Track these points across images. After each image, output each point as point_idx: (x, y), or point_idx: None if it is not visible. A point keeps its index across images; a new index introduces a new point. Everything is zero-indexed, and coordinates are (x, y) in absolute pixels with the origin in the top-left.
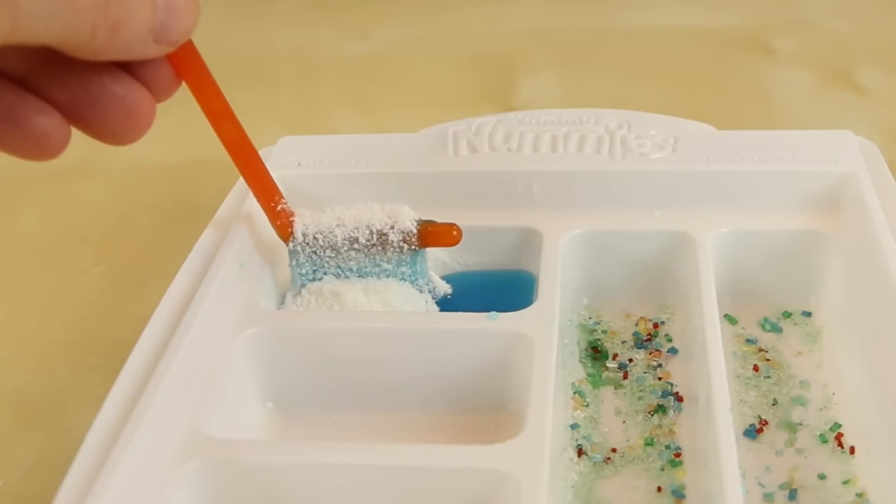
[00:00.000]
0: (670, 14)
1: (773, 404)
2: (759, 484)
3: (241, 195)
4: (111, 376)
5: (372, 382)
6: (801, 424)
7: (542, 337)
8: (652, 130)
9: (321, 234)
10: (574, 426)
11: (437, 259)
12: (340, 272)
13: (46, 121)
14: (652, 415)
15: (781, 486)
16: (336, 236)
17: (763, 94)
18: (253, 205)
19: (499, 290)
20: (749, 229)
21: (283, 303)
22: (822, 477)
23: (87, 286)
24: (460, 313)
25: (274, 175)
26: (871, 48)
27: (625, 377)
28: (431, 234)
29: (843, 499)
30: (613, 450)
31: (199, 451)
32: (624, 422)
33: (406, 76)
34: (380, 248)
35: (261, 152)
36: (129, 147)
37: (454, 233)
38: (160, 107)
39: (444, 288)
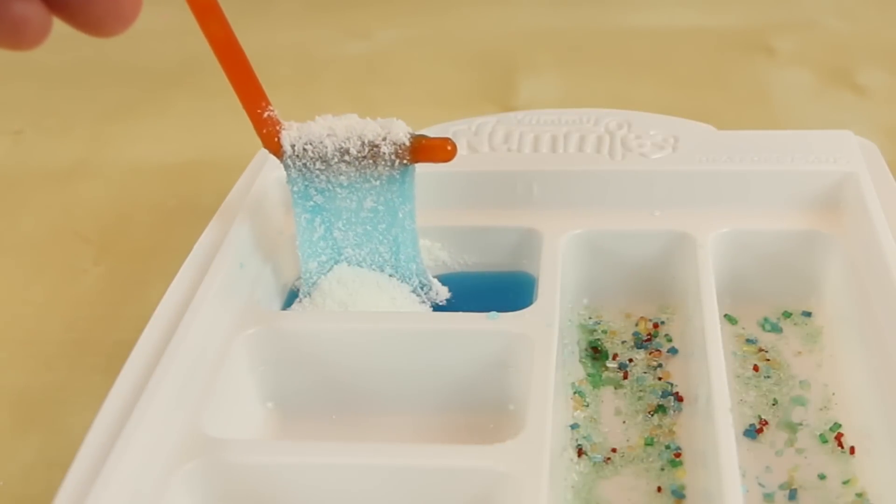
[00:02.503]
0: (670, 14)
1: (773, 404)
2: (759, 484)
3: (241, 195)
4: (111, 376)
5: (372, 382)
6: (801, 424)
7: (542, 337)
8: (652, 130)
9: (311, 144)
10: (574, 426)
11: (437, 259)
12: (330, 188)
13: (25, 7)
14: (652, 415)
15: (781, 486)
16: (326, 147)
17: (763, 94)
18: (253, 204)
19: (499, 292)
20: (749, 229)
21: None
22: (822, 477)
23: (87, 286)
24: (460, 313)
25: (274, 175)
26: (871, 48)
27: (625, 377)
28: (425, 147)
29: (843, 499)
30: (613, 450)
31: (199, 451)
32: (624, 422)
33: (406, 76)
34: (370, 161)
35: (261, 152)
36: (129, 147)
37: (448, 147)
38: (160, 107)
39: (443, 294)
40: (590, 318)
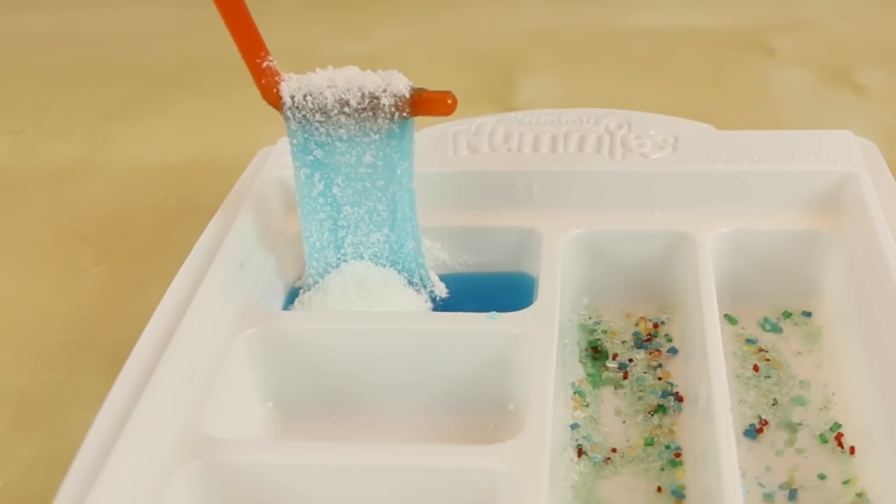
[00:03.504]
0: (670, 14)
1: (773, 404)
2: (759, 484)
3: (241, 195)
4: (111, 376)
5: (372, 383)
6: (801, 424)
7: (542, 337)
8: (652, 130)
9: (311, 95)
10: (574, 426)
11: (437, 259)
12: (330, 141)
13: None
14: (652, 415)
15: (781, 486)
16: (326, 98)
17: (763, 94)
18: (253, 204)
19: (499, 293)
20: (749, 229)
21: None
22: (822, 477)
23: (87, 286)
24: (460, 313)
25: (274, 175)
26: (871, 48)
27: (625, 377)
28: (425, 100)
29: (843, 499)
30: (613, 450)
31: (199, 451)
32: (624, 422)
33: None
34: (370, 113)
35: (261, 152)
36: (129, 147)
37: (448, 101)
38: (160, 107)
39: (441, 291)
40: (590, 318)
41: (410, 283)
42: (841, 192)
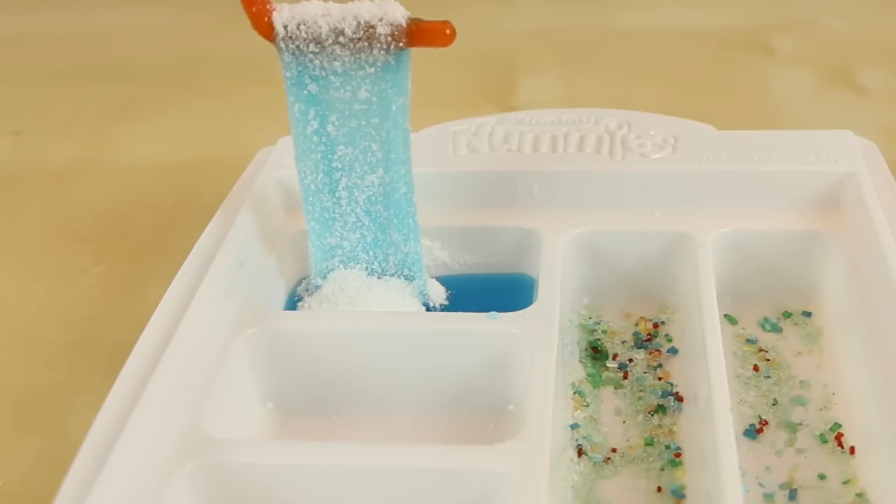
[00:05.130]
0: (670, 14)
1: (773, 404)
2: (759, 484)
3: (241, 195)
4: (111, 376)
5: (372, 383)
6: (801, 424)
7: (542, 337)
8: (652, 130)
9: (304, 24)
10: (574, 426)
11: (437, 259)
12: (324, 74)
13: None
14: (652, 415)
15: (781, 486)
16: (321, 27)
17: (763, 94)
18: (253, 204)
19: (499, 294)
20: (749, 229)
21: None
22: (822, 477)
23: (87, 286)
24: (460, 313)
25: (274, 175)
26: (871, 48)
27: (625, 377)
28: (423, 30)
29: (843, 499)
30: (613, 450)
31: (199, 451)
32: (624, 422)
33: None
34: (366, 43)
35: (261, 152)
36: (129, 147)
37: (447, 31)
38: (160, 107)
39: (440, 297)
40: (590, 318)
41: (405, 277)
42: (841, 192)
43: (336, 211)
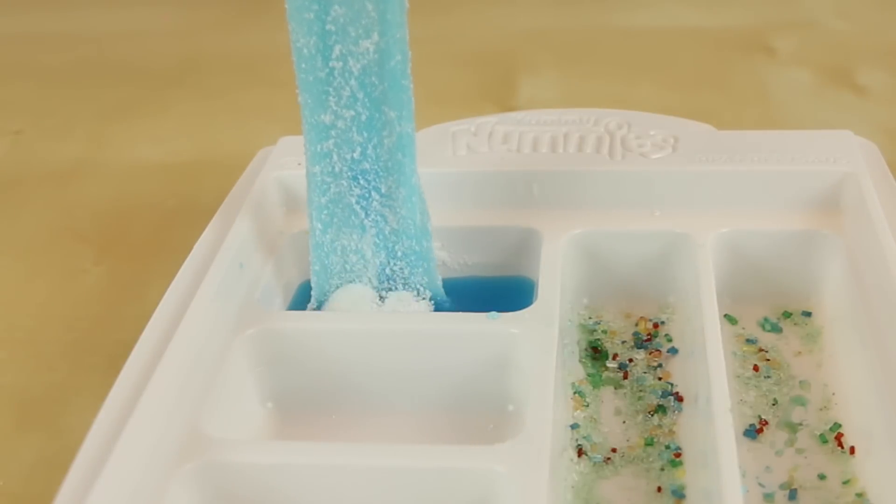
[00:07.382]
0: (670, 14)
1: (773, 404)
2: (759, 484)
3: (241, 195)
4: (111, 376)
5: (372, 383)
6: (801, 424)
7: (542, 337)
8: (652, 130)
9: None
10: (574, 426)
11: (437, 258)
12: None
13: None
14: (652, 415)
15: (781, 486)
16: None
17: (763, 94)
18: (253, 204)
19: (498, 295)
20: (749, 229)
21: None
22: (822, 477)
23: (87, 286)
24: (460, 313)
25: (274, 175)
26: (871, 48)
27: (625, 377)
28: None
29: (843, 499)
30: (613, 450)
31: (199, 451)
32: (624, 422)
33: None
34: None
35: (260, 152)
36: (129, 147)
37: None
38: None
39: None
40: (590, 318)
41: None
42: (841, 192)
43: (330, 84)
